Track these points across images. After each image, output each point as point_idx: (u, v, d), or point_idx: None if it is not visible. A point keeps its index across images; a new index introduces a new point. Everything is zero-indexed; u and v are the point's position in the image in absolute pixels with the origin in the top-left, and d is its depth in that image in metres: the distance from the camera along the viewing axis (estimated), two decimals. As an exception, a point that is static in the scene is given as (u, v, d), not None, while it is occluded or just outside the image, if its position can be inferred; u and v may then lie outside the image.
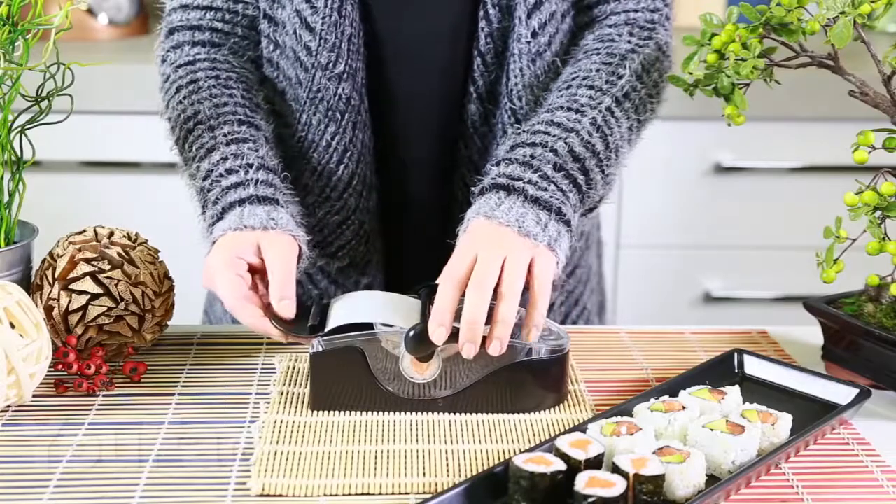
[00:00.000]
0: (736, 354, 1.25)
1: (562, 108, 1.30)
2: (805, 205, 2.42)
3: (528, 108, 1.37)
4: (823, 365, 1.28)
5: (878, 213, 1.17)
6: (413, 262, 1.47)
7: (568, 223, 1.22)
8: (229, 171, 1.26)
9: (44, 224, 1.33)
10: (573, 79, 1.34)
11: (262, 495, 1.02)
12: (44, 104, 1.27)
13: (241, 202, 1.23)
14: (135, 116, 2.31)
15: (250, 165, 1.27)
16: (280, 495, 1.02)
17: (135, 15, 2.64)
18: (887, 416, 1.19)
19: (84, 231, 1.27)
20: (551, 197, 1.21)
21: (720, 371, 1.23)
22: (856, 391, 1.17)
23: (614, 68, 1.34)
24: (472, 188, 1.25)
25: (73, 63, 1.27)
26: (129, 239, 1.27)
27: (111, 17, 2.62)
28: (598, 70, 1.34)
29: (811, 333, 1.32)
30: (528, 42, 1.35)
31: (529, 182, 1.21)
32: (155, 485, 1.03)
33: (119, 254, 1.24)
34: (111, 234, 1.27)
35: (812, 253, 1.25)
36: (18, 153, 1.27)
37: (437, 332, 1.13)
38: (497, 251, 1.15)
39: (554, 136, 1.25)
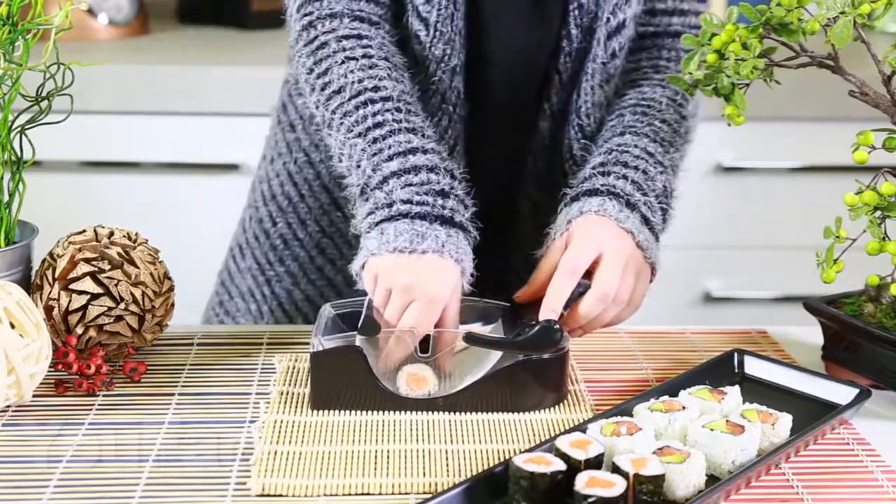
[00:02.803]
0: (736, 354, 1.25)
1: (647, 136, 1.31)
2: (805, 205, 2.42)
3: (595, 126, 1.38)
4: (823, 365, 1.28)
5: (878, 213, 1.17)
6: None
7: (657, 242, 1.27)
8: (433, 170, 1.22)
9: (44, 224, 1.32)
10: (648, 106, 1.35)
11: (262, 495, 1.02)
12: (44, 104, 1.27)
13: (447, 222, 1.20)
14: (135, 116, 2.31)
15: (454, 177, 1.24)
16: (280, 495, 1.02)
17: (135, 15, 2.63)
18: (887, 416, 1.19)
19: (84, 231, 1.27)
20: (655, 224, 1.26)
21: (720, 371, 1.22)
22: (856, 391, 1.17)
23: (678, 107, 1.37)
24: (566, 189, 1.28)
25: (73, 63, 1.27)
26: (129, 239, 1.27)
27: (111, 17, 2.61)
28: (667, 105, 1.36)
29: (811, 333, 1.32)
30: (605, 63, 1.36)
31: (645, 204, 1.25)
32: (155, 485, 1.03)
33: (119, 254, 1.24)
34: (111, 234, 1.27)
35: (812, 253, 1.25)
36: (18, 153, 1.27)
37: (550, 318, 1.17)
38: (624, 260, 1.21)
39: (655, 168, 1.29)
